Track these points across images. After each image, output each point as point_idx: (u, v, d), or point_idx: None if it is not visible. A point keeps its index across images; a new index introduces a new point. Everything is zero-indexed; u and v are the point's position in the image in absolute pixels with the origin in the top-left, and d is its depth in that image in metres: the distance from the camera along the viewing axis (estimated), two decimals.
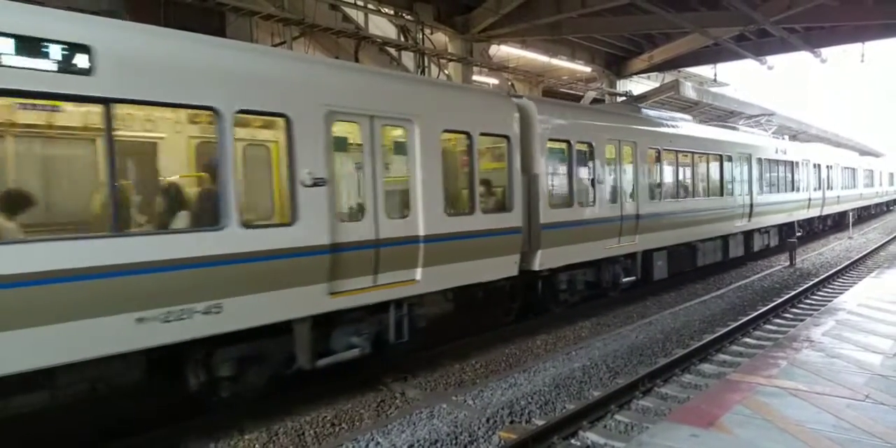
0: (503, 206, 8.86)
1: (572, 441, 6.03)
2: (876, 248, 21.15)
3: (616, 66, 24.06)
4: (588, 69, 24.07)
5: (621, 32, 20.19)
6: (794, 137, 29.42)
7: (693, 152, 14.26)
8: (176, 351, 5.56)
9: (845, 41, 19.75)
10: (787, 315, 11.47)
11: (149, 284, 5.10)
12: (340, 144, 6.82)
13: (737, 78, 38.45)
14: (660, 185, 12.67)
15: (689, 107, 24.54)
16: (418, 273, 7.42)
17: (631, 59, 23.75)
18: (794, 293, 12.75)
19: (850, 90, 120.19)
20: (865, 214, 34.08)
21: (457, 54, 17.47)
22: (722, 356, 8.90)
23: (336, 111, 6.58)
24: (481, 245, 8.33)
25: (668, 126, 13.59)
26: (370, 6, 15.66)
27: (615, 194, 11.27)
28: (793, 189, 20.34)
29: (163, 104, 5.40)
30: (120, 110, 5.11)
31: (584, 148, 10.59)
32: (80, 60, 4.78)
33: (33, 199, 5.10)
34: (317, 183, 6.26)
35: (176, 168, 6.47)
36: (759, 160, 17.60)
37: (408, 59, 17.63)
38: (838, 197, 25.79)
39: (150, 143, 6.18)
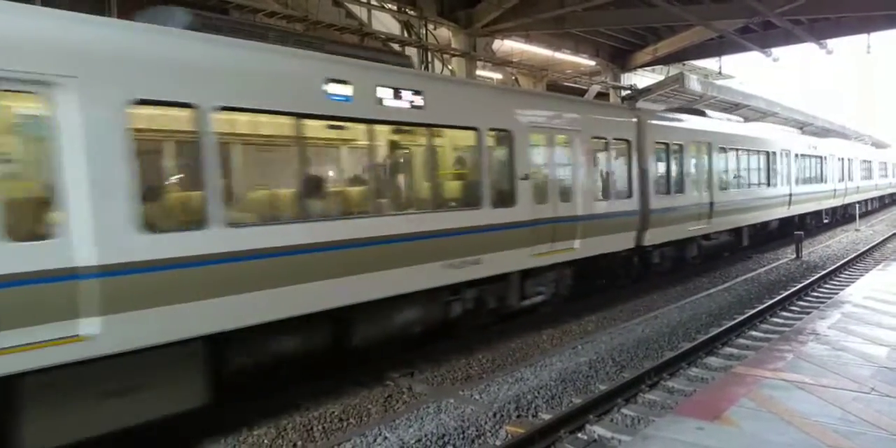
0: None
1: (579, 435, 6.06)
2: (883, 241, 21.05)
3: (620, 59, 23.95)
4: (592, 63, 23.98)
5: (625, 26, 20.12)
6: (801, 130, 30.84)
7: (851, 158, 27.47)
8: None
9: (851, 32, 19.63)
10: (794, 308, 11.46)
11: None
12: None
13: (741, 69, 39.04)
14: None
15: (693, 100, 24.43)
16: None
17: (635, 53, 23.64)
18: (800, 286, 12.74)
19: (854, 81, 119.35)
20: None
21: (460, 49, 17.45)
22: (728, 349, 8.91)
23: None
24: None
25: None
26: (373, 2, 15.65)
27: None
28: (886, 176, 36.04)
29: None
30: None
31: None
32: None
33: None
34: None
35: None
36: (862, 161, 29.97)
37: (411, 54, 17.61)
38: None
39: None
